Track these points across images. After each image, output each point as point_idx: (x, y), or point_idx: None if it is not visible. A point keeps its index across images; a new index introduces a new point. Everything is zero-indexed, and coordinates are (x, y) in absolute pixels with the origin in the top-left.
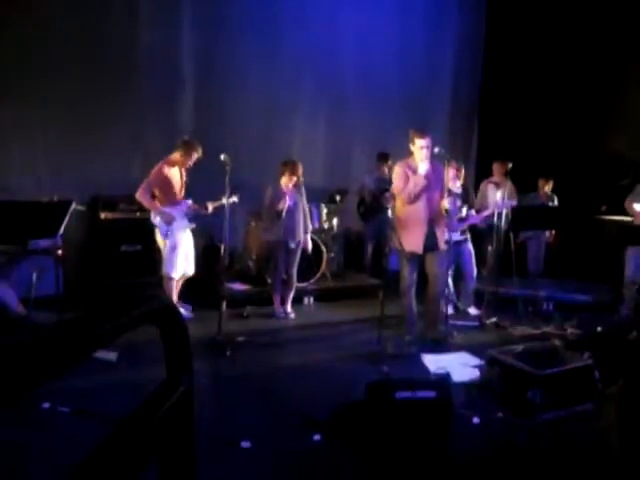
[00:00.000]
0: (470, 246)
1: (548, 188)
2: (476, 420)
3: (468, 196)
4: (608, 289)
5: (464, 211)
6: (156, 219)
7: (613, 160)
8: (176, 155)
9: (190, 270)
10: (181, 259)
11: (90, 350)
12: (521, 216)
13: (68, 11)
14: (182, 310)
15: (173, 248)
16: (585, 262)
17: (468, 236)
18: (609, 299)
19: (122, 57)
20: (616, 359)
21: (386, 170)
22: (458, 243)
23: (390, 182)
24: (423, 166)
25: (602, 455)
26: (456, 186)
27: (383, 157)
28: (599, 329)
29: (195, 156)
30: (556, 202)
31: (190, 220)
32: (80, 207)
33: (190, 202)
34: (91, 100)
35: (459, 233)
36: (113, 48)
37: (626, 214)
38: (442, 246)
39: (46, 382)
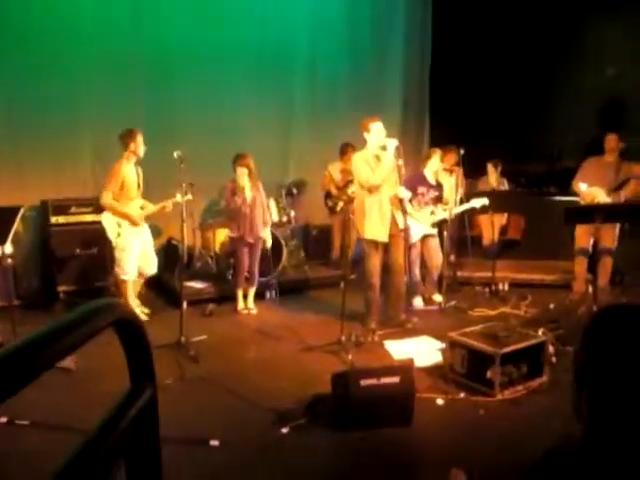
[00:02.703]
0: (437, 239)
1: (498, 172)
2: (439, 401)
3: (441, 191)
4: (561, 267)
5: (439, 207)
6: (107, 221)
7: (557, 142)
8: (125, 152)
9: (150, 269)
10: (132, 260)
11: (51, 363)
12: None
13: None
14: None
15: (123, 249)
16: (537, 242)
17: (436, 230)
18: (562, 277)
19: (68, 54)
20: (568, 333)
21: (349, 161)
22: (428, 235)
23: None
24: (391, 146)
25: (557, 426)
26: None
27: (346, 148)
28: (551, 306)
29: (139, 139)
30: (506, 185)
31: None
32: (29, 212)
33: (142, 202)
34: (37, 99)
35: (430, 226)
36: (59, 45)
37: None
38: (402, 234)
39: (6, 399)
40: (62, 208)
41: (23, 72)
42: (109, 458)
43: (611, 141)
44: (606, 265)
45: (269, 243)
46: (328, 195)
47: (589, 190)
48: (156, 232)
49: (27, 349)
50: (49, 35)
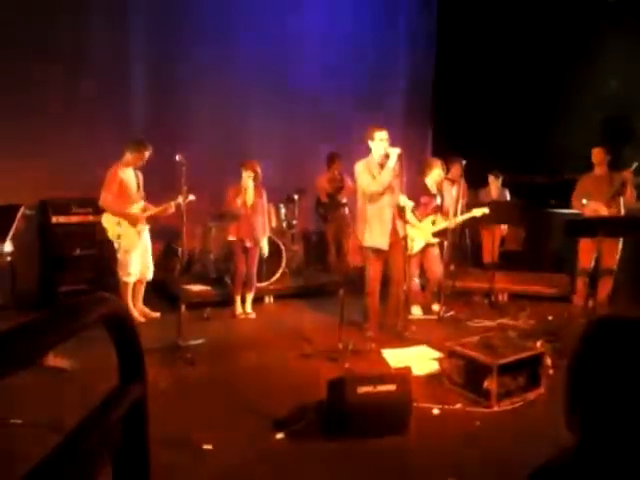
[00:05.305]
0: (437, 249)
1: (499, 183)
2: (436, 411)
3: (442, 200)
4: (560, 280)
5: (439, 217)
6: (107, 222)
7: (560, 155)
8: (127, 156)
9: (147, 274)
10: (136, 262)
11: (36, 356)
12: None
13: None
14: (146, 314)
15: (126, 251)
16: (537, 254)
17: (437, 240)
18: (561, 289)
19: (71, 55)
20: (566, 345)
21: (336, 170)
22: (429, 245)
23: (342, 180)
24: (394, 155)
25: (554, 438)
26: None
27: (333, 157)
28: (550, 318)
29: (146, 154)
30: (508, 197)
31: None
32: (28, 211)
33: (144, 204)
34: (38, 99)
35: (431, 236)
36: (62, 46)
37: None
38: (402, 242)
39: None
40: (62, 208)
41: (31, 73)
42: (90, 456)
43: (598, 154)
44: (606, 282)
45: (266, 250)
46: (319, 203)
47: (589, 204)
48: (155, 235)
49: (8, 340)
50: (52, 41)
